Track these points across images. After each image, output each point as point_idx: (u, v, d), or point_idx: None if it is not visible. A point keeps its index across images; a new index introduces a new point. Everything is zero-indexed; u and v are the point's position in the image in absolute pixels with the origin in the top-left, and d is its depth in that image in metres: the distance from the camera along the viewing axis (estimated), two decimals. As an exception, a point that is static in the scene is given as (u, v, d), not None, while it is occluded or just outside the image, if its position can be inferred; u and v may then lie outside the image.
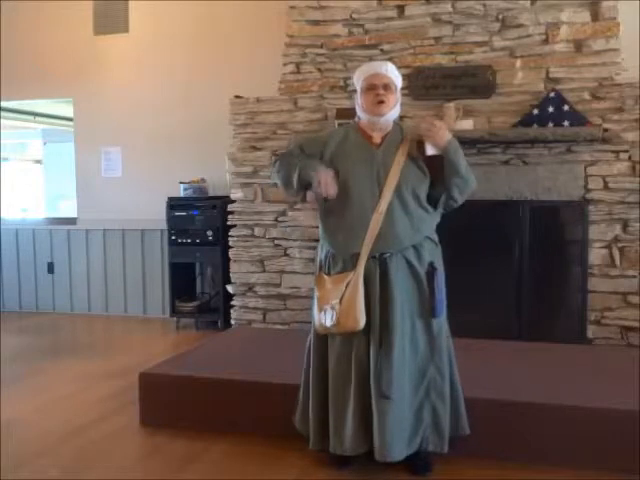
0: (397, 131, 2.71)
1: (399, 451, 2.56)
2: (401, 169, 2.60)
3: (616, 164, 4.38)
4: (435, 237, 2.72)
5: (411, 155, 2.63)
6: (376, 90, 2.62)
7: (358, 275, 2.56)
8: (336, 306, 2.55)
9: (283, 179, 2.74)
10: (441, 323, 2.67)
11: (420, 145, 2.60)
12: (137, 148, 5.96)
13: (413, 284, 2.61)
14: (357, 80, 2.73)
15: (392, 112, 2.67)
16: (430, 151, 2.59)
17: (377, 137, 2.68)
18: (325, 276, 2.68)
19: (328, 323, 2.57)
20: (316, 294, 2.68)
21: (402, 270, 2.60)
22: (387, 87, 2.63)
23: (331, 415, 2.66)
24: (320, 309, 2.62)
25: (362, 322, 2.53)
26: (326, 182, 2.57)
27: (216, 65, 5.65)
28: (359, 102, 2.71)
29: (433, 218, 2.71)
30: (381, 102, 2.61)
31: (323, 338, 2.70)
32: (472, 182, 2.68)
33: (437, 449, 2.65)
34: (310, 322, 2.77)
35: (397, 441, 2.54)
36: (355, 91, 2.79)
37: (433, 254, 2.68)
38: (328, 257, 2.71)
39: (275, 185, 2.76)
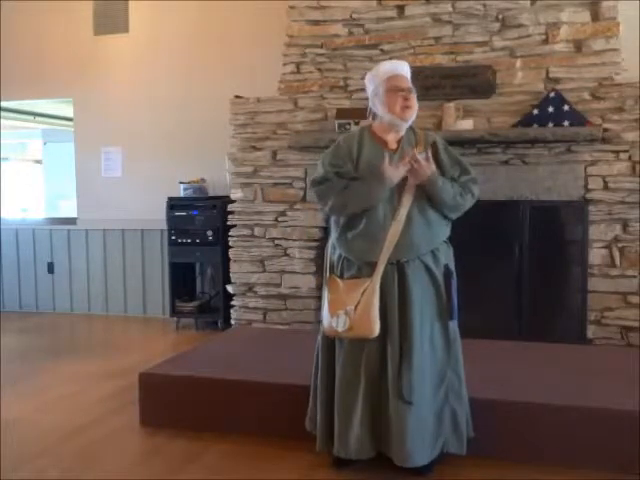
0: (410, 134, 2.71)
1: (420, 456, 2.56)
2: None
3: (616, 164, 4.37)
4: (447, 239, 2.74)
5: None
6: (404, 93, 2.61)
7: (375, 283, 2.55)
8: (351, 312, 2.54)
9: (339, 204, 2.65)
10: (456, 326, 2.68)
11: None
12: (137, 148, 5.96)
13: (431, 288, 2.62)
14: (377, 79, 2.68)
15: (414, 116, 2.68)
16: (410, 182, 2.59)
17: (392, 142, 2.67)
18: (338, 279, 2.66)
19: (340, 328, 2.56)
20: (327, 297, 2.66)
21: (420, 274, 2.61)
22: (410, 90, 2.65)
23: (336, 418, 2.65)
24: (333, 313, 2.59)
25: (376, 330, 2.52)
26: (393, 175, 2.54)
27: (216, 65, 5.65)
28: (383, 102, 2.64)
29: (449, 223, 2.72)
30: (410, 107, 2.61)
31: (331, 340, 2.69)
32: (466, 204, 2.68)
33: (457, 451, 2.67)
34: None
35: (419, 446, 2.55)
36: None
37: (447, 256, 2.69)
38: (341, 260, 2.69)
39: (333, 212, 2.73)
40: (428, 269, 2.61)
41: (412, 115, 2.65)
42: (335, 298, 2.62)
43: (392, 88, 2.62)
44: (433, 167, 2.57)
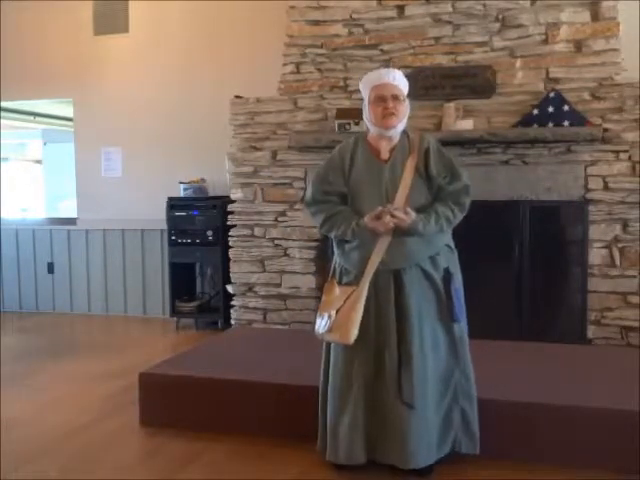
0: (404, 142, 2.68)
1: (424, 458, 2.57)
2: (409, 186, 2.58)
3: (616, 164, 4.37)
4: (451, 243, 2.73)
5: (419, 169, 2.62)
6: (385, 102, 2.59)
7: (360, 290, 2.55)
8: (333, 316, 2.56)
9: (326, 230, 2.72)
10: (462, 327, 2.68)
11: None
12: (137, 148, 5.95)
13: (431, 292, 2.62)
14: (364, 89, 2.69)
15: (401, 123, 2.65)
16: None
17: (385, 151, 2.66)
18: (336, 284, 2.69)
19: (321, 329, 2.60)
20: (322, 298, 2.69)
21: (418, 281, 2.60)
22: (396, 98, 2.61)
23: (328, 422, 2.68)
24: (320, 315, 2.63)
25: (352, 337, 2.51)
26: (379, 229, 2.53)
27: (216, 65, 5.65)
28: (367, 114, 2.67)
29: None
30: (391, 114, 2.58)
31: (329, 343, 2.70)
32: (452, 224, 2.64)
33: (469, 451, 2.68)
34: (313, 322, 2.78)
35: (422, 448, 2.55)
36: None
37: (449, 260, 2.68)
38: (341, 266, 2.72)
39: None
40: (426, 274, 2.61)
41: (396, 122, 2.61)
42: (326, 300, 2.65)
43: (375, 99, 2.62)
44: (412, 216, 2.53)
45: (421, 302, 2.59)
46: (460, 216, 2.67)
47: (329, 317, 2.57)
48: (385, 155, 2.66)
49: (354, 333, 2.51)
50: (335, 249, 2.76)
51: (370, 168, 2.64)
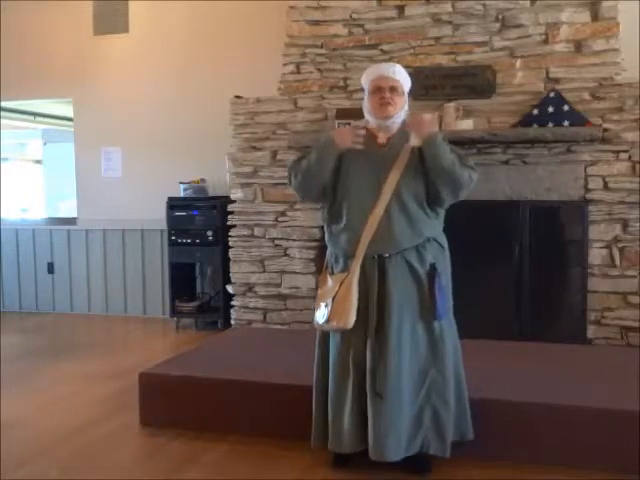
0: (403, 132, 2.69)
1: (394, 451, 2.55)
2: (402, 170, 2.59)
3: (616, 164, 4.37)
4: (442, 239, 2.71)
5: (415, 151, 2.61)
6: (382, 93, 2.61)
7: (352, 275, 2.57)
8: (329, 304, 2.57)
9: (305, 176, 2.67)
10: (444, 325, 2.64)
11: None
12: (137, 148, 5.96)
13: (414, 285, 2.61)
14: (364, 82, 2.73)
15: (399, 114, 2.66)
16: (413, 142, 2.59)
17: (382, 137, 2.68)
18: (328, 275, 2.71)
19: (320, 320, 2.61)
20: (317, 292, 2.72)
21: (402, 271, 2.60)
22: (394, 89, 2.62)
23: (330, 412, 2.67)
24: (317, 306, 2.66)
25: (351, 321, 2.54)
26: (341, 134, 2.59)
27: (216, 65, 5.65)
28: (365, 104, 2.71)
29: (436, 220, 2.70)
30: (387, 104, 2.60)
31: (325, 335, 2.72)
32: (464, 179, 2.55)
33: (438, 453, 2.64)
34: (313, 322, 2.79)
35: (391, 441, 2.54)
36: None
37: (437, 256, 2.66)
38: (332, 257, 2.74)
39: (297, 189, 2.78)
40: (411, 267, 2.60)
41: (393, 111, 2.62)
42: (321, 292, 2.68)
43: (373, 90, 2.65)
44: (436, 127, 2.57)
45: (404, 296, 2.58)
46: (467, 179, 2.57)
47: (326, 306, 2.59)
48: (382, 140, 2.68)
49: (352, 316, 2.53)
50: (325, 236, 2.78)
51: (365, 150, 2.64)
